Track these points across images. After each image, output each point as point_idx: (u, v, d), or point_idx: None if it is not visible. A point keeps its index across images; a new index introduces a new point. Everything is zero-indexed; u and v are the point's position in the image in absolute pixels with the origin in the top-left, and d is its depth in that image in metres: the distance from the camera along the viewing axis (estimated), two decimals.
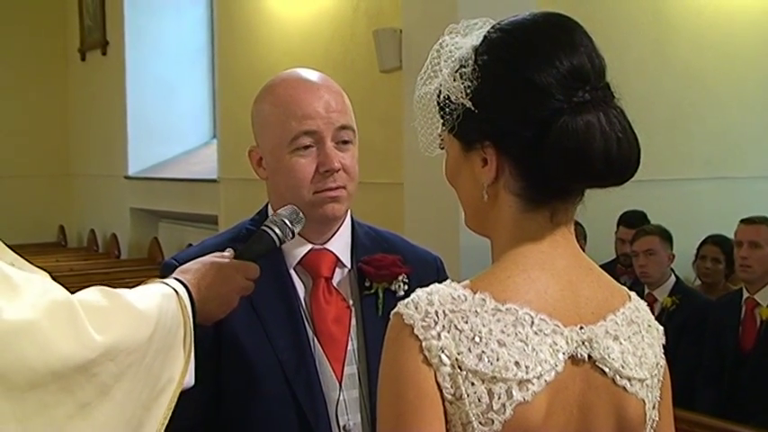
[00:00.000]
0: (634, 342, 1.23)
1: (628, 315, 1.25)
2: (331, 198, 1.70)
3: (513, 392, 1.12)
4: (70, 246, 10.18)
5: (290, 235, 1.64)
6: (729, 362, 4.16)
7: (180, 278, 1.52)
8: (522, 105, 1.17)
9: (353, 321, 1.74)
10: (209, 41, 8.81)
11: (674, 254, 4.63)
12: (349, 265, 1.77)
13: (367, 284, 1.76)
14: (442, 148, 1.29)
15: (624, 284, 1.34)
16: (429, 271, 1.81)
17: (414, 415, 1.12)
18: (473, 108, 1.20)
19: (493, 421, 1.12)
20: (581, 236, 4.75)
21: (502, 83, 1.19)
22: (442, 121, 1.25)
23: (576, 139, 1.13)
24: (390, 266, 1.76)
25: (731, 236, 4.52)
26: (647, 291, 4.51)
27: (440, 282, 1.19)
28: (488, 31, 1.23)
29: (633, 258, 4.68)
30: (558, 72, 1.16)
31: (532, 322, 1.15)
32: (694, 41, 5.96)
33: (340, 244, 1.77)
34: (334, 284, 1.75)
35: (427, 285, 1.18)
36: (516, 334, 1.14)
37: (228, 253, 1.61)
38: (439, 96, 1.24)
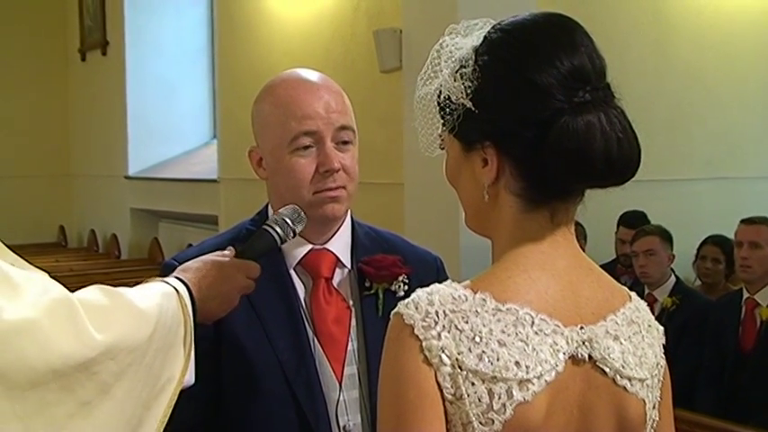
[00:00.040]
0: (634, 342, 1.23)
1: (628, 315, 1.25)
2: (331, 198, 1.70)
3: (514, 392, 1.12)
4: (70, 246, 10.18)
5: (292, 234, 1.64)
6: (729, 362, 4.17)
7: (180, 277, 1.52)
8: (523, 106, 1.17)
9: (353, 322, 1.74)
10: (209, 41, 8.81)
11: (674, 254, 4.63)
12: (349, 266, 1.77)
13: (367, 285, 1.76)
14: (443, 149, 1.29)
15: (624, 285, 1.34)
16: (429, 271, 1.81)
17: (414, 415, 1.12)
18: (473, 108, 1.20)
19: (493, 421, 1.12)
20: (581, 236, 4.75)
21: (502, 83, 1.19)
22: (442, 121, 1.25)
23: (576, 139, 1.13)
24: (390, 267, 1.76)
25: (731, 236, 4.52)
26: (647, 291, 4.51)
27: (440, 282, 1.19)
28: (489, 32, 1.23)
29: (633, 259, 4.68)
30: (558, 72, 1.16)
31: (533, 322, 1.15)
32: (695, 42, 5.96)
33: (340, 244, 1.77)
34: (335, 285, 1.75)
35: (427, 286, 1.18)
36: (517, 334, 1.14)
37: (229, 251, 1.60)
38: (439, 97, 1.24)
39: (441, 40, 1.26)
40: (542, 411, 1.14)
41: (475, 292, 1.16)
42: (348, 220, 1.80)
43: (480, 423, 1.12)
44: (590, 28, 1.23)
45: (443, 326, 1.13)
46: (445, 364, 1.12)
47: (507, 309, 1.15)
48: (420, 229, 4.36)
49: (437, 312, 1.14)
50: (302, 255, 1.74)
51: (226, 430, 1.69)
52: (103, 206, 9.57)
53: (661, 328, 1.31)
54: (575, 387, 1.18)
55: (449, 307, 1.14)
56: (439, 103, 1.24)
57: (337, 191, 1.70)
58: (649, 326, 1.28)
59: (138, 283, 1.48)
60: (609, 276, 1.29)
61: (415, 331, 1.13)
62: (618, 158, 1.14)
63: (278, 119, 1.71)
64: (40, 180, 10.23)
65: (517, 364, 1.13)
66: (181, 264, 1.60)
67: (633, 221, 5.12)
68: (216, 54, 7.90)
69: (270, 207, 1.79)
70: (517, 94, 1.17)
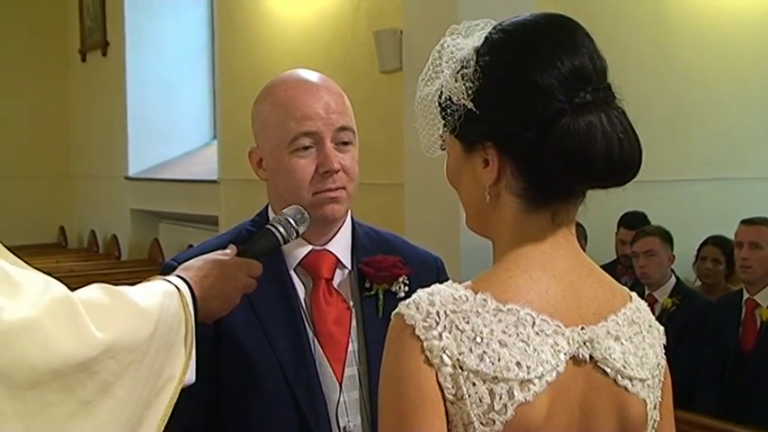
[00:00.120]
0: (635, 342, 1.23)
1: (629, 315, 1.25)
2: (330, 199, 1.70)
3: (515, 393, 1.12)
4: (70, 247, 10.18)
5: (295, 234, 1.64)
6: (730, 362, 4.17)
7: (182, 275, 1.52)
8: (524, 106, 1.17)
9: (354, 323, 1.74)
10: (209, 42, 8.81)
11: (674, 255, 4.63)
12: (349, 267, 1.77)
13: (367, 286, 1.76)
14: (444, 149, 1.29)
15: (625, 285, 1.34)
16: (429, 272, 1.81)
17: (415, 415, 1.12)
18: (474, 109, 1.20)
19: (494, 421, 1.12)
20: (582, 236, 4.74)
21: (503, 84, 1.19)
22: (443, 122, 1.25)
23: (577, 139, 1.13)
24: (391, 268, 1.76)
25: (731, 237, 4.52)
26: (647, 291, 4.51)
27: (440, 282, 1.19)
28: (490, 32, 1.23)
29: (633, 259, 4.68)
30: (559, 73, 1.16)
31: (534, 323, 1.15)
32: (695, 42, 5.96)
33: (340, 245, 1.77)
34: (335, 286, 1.75)
35: (428, 286, 1.18)
36: (518, 334, 1.14)
37: (231, 250, 1.60)
38: (440, 97, 1.24)
39: (442, 41, 1.26)
40: (543, 412, 1.14)
41: (476, 293, 1.16)
42: (348, 220, 1.80)
43: (481, 423, 1.12)
44: (590, 28, 1.23)
45: (444, 326, 1.13)
46: (446, 365, 1.12)
47: (508, 309, 1.15)
48: (420, 229, 4.36)
49: (438, 313, 1.14)
50: (302, 255, 1.74)
51: (226, 430, 1.69)
52: (104, 207, 9.57)
53: (662, 328, 1.31)
54: (576, 387, 1.18)
55: (450, 307, 1.14)
56: (440, 104, 1.24)
57: (337, 191, 1.70)
58: (650, 326, 1.28)
59: (138, 284, 1.48)
60: (609, 277, 1.29)
61: (416, 332, 1.13)
62: (619, 159, 1.14)
63: (278, 119, 1.71)
64: (41, 181, 10.22)
65: (518, 364, 1.13)
66: (181, 264, 1.60)
67: (633, 222, 5.12)
68: (216, 54, 7.90)
69: (270, 208, 1.79)
70: (518, 94, 1.17)
